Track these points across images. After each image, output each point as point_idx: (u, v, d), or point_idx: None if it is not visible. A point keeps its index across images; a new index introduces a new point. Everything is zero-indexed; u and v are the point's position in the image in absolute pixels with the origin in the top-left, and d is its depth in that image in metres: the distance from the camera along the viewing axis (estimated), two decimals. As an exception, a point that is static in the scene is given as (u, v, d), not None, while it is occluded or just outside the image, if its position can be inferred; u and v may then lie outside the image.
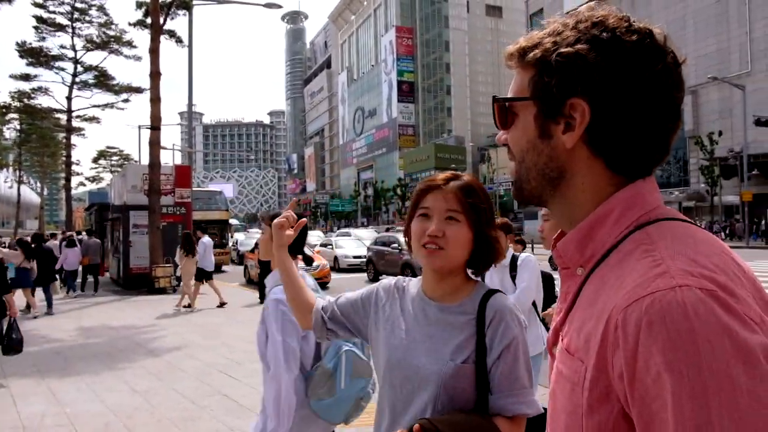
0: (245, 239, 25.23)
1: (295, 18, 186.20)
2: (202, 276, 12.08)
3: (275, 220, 1.55)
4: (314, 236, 28.22)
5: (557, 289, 1.46)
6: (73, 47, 32.63)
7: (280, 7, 19.74)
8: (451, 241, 1.24)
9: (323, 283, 15.13)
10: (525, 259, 3.66)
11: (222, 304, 11.69)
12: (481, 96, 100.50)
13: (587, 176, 0.73)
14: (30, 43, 31.92)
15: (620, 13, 0.72)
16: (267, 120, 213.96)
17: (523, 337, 1.27)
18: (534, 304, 3.65)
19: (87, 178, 53.59)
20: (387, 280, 1.49)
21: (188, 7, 18.69)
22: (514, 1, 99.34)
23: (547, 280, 4.01)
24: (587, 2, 55.33)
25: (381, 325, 1.38)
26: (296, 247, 1.99)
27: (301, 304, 1.52)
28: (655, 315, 0.56)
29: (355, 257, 20.05)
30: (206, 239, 12.60)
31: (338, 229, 76.54)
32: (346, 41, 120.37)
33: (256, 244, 12.64)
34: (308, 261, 2.51)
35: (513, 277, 3.62)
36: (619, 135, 0.69)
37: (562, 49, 0.70)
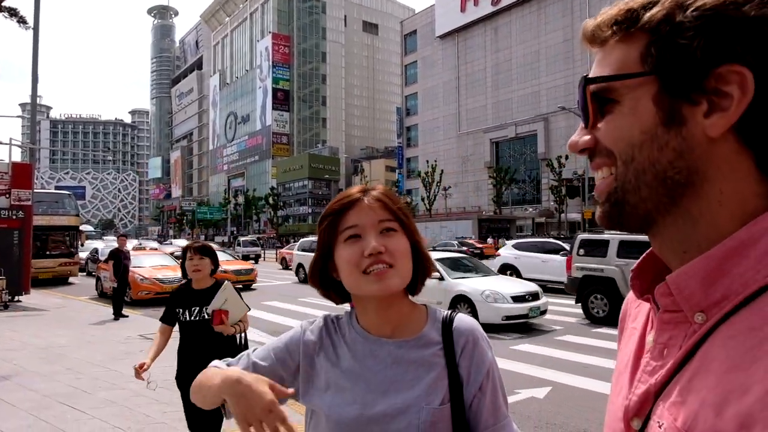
0: (105, 248, 22.84)
1: (163, 13, 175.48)
2: None
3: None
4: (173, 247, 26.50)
5: None
6: None
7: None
8: (398, 254, 1.03)
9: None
10: None
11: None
12: (356, 109, 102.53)
13: (729, 181, 0.53)
14: None
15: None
16: (128, 119, 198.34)
17: (494, 359, 1.10)
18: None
19: None
20: (312, 323, 1.16)
21: (35, -16, 16.60)
22: (390, 21, 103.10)
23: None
24: (458, 26, 59.21)
25: (320, 380, 1.09)
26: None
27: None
28: None
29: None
30: None
31: (206, 238, 72.82)
32: (220, 43, 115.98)
33: (110, 254, 11.50)
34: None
35: None
36: None
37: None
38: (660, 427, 0.53)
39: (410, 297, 1.13)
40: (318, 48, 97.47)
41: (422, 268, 1.09)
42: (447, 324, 1.09)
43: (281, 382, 1.05)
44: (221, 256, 16.78)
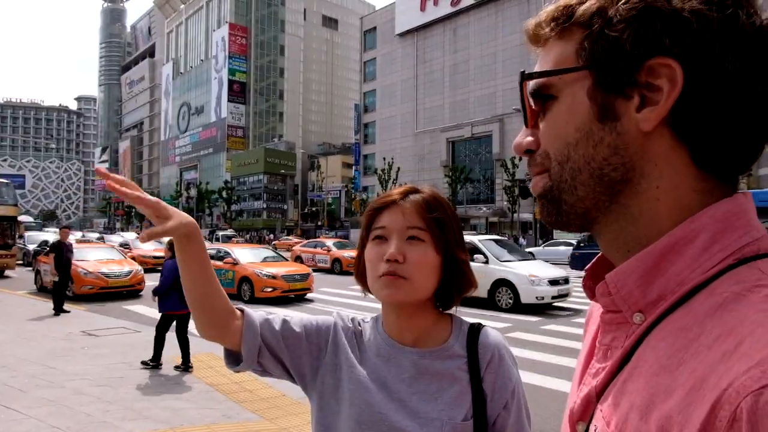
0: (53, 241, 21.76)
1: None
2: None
3: (147, 231, 0.92)
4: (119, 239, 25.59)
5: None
6: None
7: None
8: (415, 266, 0.98)
9: (135, 291, 13.71)
10: None
11: None
12: (314, 104, 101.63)
13: (665, 177, 0.52)
14: None
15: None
16: (74, 106, 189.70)
17: (519, 377, 1.07)
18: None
19: None
20: (343, 316, 1.13)
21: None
22: (350, 16, 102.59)
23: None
24: (417, 24, 59.56)
25: (344, 371, 1.05)
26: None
27: (218, 308, 1.02)
28: None
29: None
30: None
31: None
32: (174, 31, 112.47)
33: (52, 246, 10.97)
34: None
35: None
36: (719, 111, 0.50)
37: None
38: (595, 431, 0.52)
39: (440, 309, 1.07)
40: (276, 41, 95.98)
41: (458, 283, 1.04)
42: (472, 336, 1.05)
43: (296, 366, 1.06)
44: (256, 255, 14.86)
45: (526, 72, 0.57)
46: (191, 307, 1.02)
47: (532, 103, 0.58)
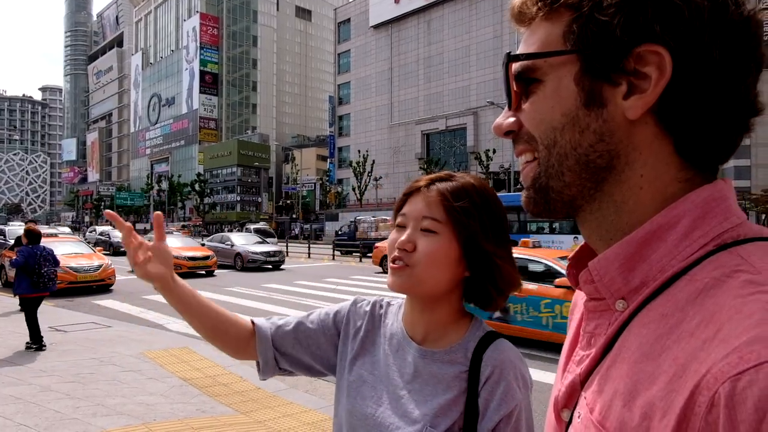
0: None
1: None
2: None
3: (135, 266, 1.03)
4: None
5: None
6: None
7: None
8: (421, 256, 0.93)
9: (106, 285, 13.42)
10: None
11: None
12: (288, 96, 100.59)
13: (649, 166, 0.52)
14: None
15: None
16: (38, 96, 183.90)
17: (528, 403, 0.96)
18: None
19: None
20: (361, 301, 1.12)
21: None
22: (323, 8, 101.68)
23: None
24: (392, 17, 59.37)
25: (348, 360, 1.05)
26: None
27: (228, 330, 1.08)
28: None
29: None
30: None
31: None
32: (142, 20, 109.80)
33: (17, 241, 10.65)
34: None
35: None
36: (705, 101, 0.49)
37: None
38: (578, 418, 0.52)
39: (464, 306, 1.02)
40: (249, 31, 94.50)
41: (491, 279, 0.96)
42: (481, 347, 0.97)
43: (320, 360, 1.10)
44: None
45: (512, 53, 0.56)
46: (207, 341, 1.10)
47: (514, 86, 0.57)
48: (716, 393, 0.39)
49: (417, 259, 0.93)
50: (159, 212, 1.11)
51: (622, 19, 0.49)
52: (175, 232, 29.92)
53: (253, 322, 1.10)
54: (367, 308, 1.09)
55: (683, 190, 0.51)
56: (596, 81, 0.51)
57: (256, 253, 19.42)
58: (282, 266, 20.28)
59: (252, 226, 39.00)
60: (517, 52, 0.56)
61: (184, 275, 14.66)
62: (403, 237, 0.95)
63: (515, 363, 0.96)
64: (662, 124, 0.50)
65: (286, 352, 1.08)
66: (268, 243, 21.96)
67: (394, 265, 0.95)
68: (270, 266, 19.66)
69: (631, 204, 0.53)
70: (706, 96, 0.49)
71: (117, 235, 26.60)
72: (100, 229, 32.18)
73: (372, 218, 30.58)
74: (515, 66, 0.56)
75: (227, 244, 20.55)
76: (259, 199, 79.10)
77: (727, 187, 0.52)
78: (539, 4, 0.54)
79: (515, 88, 0.57)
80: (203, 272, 17.52)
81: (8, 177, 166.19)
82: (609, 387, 0.49)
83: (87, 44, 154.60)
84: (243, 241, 20.88)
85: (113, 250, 25.75)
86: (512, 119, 0.58)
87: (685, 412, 0.41)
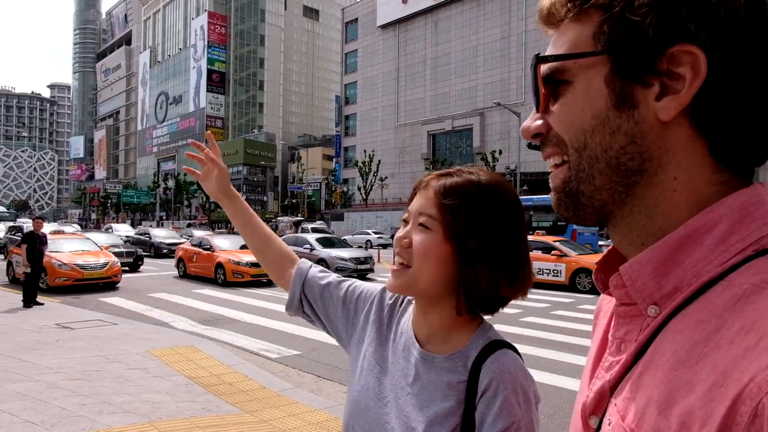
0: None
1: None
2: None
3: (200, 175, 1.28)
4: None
5: None
6: None
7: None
8: (416, 253, 0.90)
9: (112, 283, 13.47)
10: None
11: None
12: (294, 95, 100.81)
13: (683, 168, 0.50)
14: None
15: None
16: (47, 93, 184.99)
17: (528, 419, 0.88)
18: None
19: None
20: (388, 292, 1.09)
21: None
22: (331, 7, 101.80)
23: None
24: (399, 17, 59.35)
25: (365, 347, 1.03)
26: None
27: (275, 254, 1.23)
28: None
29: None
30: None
31: (133, 223, 69.48)
32: (151, 18, 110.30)
33: (24, 237, 10.70)
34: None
35: None
36: (742, 102, 0.48)
37: None
38: (609, 425, 0.51)
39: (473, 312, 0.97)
40: (256, 30, 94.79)
41: (477, 287, 0.89)
42: (481, 356, 0.91)
43: (335, 329, 1.14)
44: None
45: (541, 55, 0.55)
46: (254, 253, 1.27)
47: (542, 88, 0.56)
48: (760, 403, 0.38)
49: (410, 257, 0.92)
50: (209, 131, 1.35)
51: (655, 19, 0.47)
52: (224, 233, 26.66)
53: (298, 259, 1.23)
54: (390, 301, 1.08)
55: (718, 193, 0.50)
56: (627, 82, 0.50)
57: (345, 260, 15.81)
58: (368, 275, 16.12)
59: (309, 226, 35.13)
60: (546, 54, 0.55)
61: (245, 284, 14.21)
62: (401, 233, 0.94)
63: (516, 376, 0.89)
64: (696, 126, 0.49)
65: (310, 300, 1.15)
66: (350, 247, 18.82)
67: (394, 268, 0.94)
68: (356, 275, 15.05)
69: (664, 207, 0.51)
70: (742, 96, 0.48)
71: (157, 235, 25.43)
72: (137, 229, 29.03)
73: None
74: (543, 68, 0.55)
75: (305, 248, 16.80)
76: (265, 198, 79.24)
77: (765, 191, 0.51)
78: (569, 5, 0.53)
79: (543, 90, 0.56)
80: (266, 281, 14.19)
81: (16, 174, 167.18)
82: (642, 394, 0.48)
83: (96, 42, 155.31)
84: (325, 245, 17.16)
85: (154, 251, 24.23)
86: (540, 122, 0.57)
87: (726, 421, 0.39)
